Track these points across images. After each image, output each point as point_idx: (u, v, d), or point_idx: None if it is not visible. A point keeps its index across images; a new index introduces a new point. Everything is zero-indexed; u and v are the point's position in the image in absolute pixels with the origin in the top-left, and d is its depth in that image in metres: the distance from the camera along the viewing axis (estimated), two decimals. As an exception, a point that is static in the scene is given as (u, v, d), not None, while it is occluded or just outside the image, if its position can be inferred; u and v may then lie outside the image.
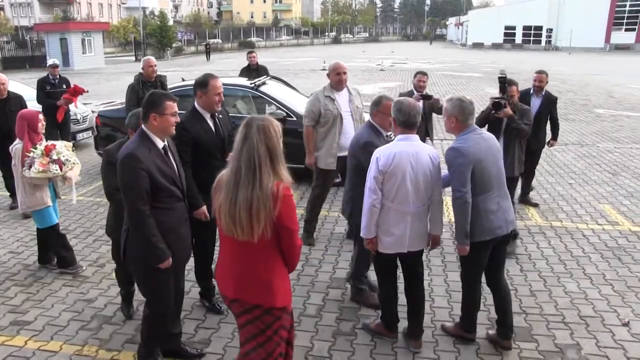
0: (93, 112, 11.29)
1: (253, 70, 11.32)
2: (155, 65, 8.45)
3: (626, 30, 70.01)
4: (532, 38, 72.80)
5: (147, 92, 7.95)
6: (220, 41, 68.98)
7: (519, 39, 73.24)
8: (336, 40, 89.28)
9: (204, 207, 4.41)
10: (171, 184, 3.65)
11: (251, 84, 9.17)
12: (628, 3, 69.37)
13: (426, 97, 7.38)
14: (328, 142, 6.20)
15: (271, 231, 2.88)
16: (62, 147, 5.57)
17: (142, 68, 8.40)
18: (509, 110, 6.05)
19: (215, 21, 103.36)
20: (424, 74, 7.89)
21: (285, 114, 8.49)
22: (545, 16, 70.87)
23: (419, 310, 4.38)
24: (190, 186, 4.19)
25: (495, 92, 7.08)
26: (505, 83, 6.10)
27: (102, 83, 25.34)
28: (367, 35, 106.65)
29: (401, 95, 7.80)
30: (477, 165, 3.94)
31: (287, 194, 2.90)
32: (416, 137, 4.08)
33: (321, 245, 6.52)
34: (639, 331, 4.70)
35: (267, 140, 2.88)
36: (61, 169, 5.41)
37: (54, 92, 9.86)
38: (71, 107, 9.96)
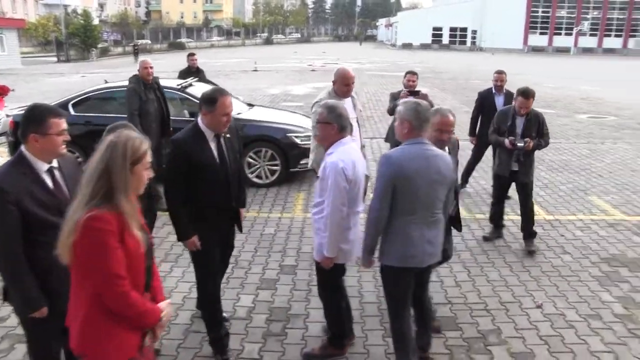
0: (8, 115, 10.38)
1: (193, 73, 11.19)
2: (152, 67, 7.88)
3: (540, 33, 73.93)
4: (458, 39, 75.19)
5: (149, 95, 7.73)
6: (149, 42, 67.45)
7: (446, 39, 75.42)
8: (268, 41, 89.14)
9: (194, 237, 4.00)
10: (54, 214, 2.97)
11: (177, 85, 9.12)
12: (540, 9, 73.02)
13: (414, 93, 7.24)
14: None
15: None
16: None
17: (138, 70, 7.88)
18: (530, 145, 6.13)
19: (144, 21, 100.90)
20: (414, 73, 7.87)
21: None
22: (470, 18, 73.34)
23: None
24: (177, 213, 3.95)
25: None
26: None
27: (19, 85, 24.32)
28: (299, 36, 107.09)
29: (392, 95, 7.97)
30: (400, 182, 3.54)
31: (91, 226, 2.37)
32: (350, 138, 3.93)
33: (250, 247, 6.53)
34: (549, 312, 5.06)
35: (110, 160, 2.42)
36: None
37: None
38: None
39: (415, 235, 3.64)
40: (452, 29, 74.95)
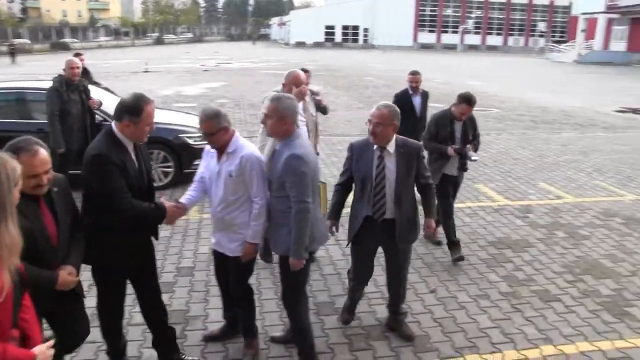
0: None
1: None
2: (78, 68, 7.56)
3: (429, 31, 77.12)
4: (350, 37, 76.65)
5: (72, 96, 7.35)
6: (29, 41, 63.57)
7: (338, 37, 76.70)
8: (159, 41, 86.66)
9: (169, 206, 3.72)
10: None
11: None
12: (428, 8, 76.16)
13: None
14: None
15: None
16: None
17: (64, 69, 7.43)
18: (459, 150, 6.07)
19: (20, 18, 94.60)
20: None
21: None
22: (361, 16, 75.02)
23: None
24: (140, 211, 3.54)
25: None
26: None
27: None
28: (191, 35, 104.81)
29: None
30: (313, 175, 3.77)
31: None
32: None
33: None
34: (442, 295, 5.35)
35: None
36: None
37: None
38: None
39: (320, 218, 4.04)
40: (345, 27, 76.37)
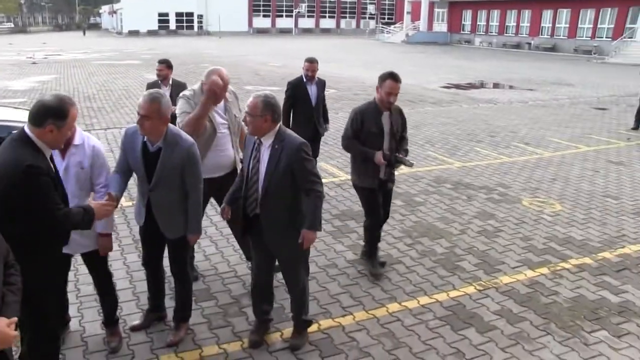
0: None
1: None
2: None
3: (264, 16, 77.70)
4: (185, 24, 74.93)
5: None
6: None
7: (172, 25, 74.62)
8: (-28, 32, 78.86)
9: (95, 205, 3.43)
10: None
11: None
12: (262, -7, 76.72)
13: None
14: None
15: None
16: None
17: None
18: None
19: None
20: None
21: None
22: (195, 3, 73.56)
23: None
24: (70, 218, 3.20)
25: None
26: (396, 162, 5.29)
27: None
28: (13, 25, 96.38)
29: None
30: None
31: None
32: None
33: None
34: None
35: None
36: None
37: None
38: None
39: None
40: (179, 14, 74.36)
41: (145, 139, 3.90)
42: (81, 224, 3.31)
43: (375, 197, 5.43)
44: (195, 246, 5.97)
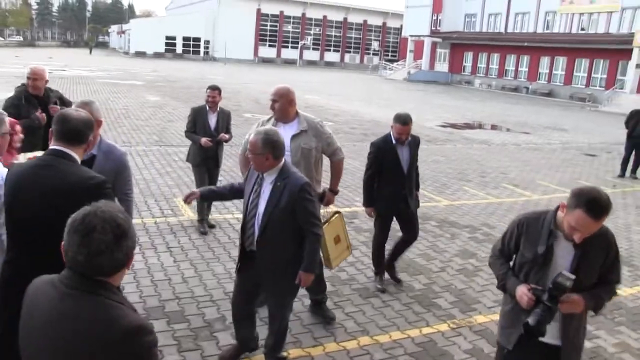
0: None
1: None
2: (43, 79, 6.41)
3: (269, 46, 78.56)
4: (191, 48, 75.73)
5: (32, 110, 6.11)
6: None
7: (179, 48, 75.35)
8: (-19, 44, 79.56)
9: None
10: None
11: None
12: (269, 23, 77.77)
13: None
14: None
15: None
16: None
17: (28, 78, 6.35)
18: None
19: None
20: (215, 88, 7.36)
21: None
22: (203, 28, 74.44)
23: None
24: None
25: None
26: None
27: None
28: (22, 39, 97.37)
29: (193, 109, 7.54)
30: None
31: None
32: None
33: None
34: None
35: None
36: None
37: None
38: None
39: None
40: (186, 39, 75.23)
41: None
42: None
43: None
44: (175, 268, 6.04)
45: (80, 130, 2.96)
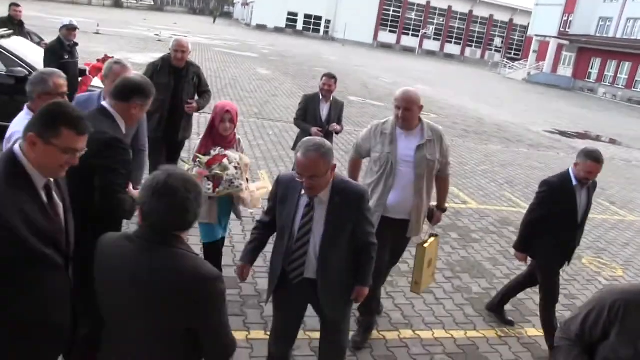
0: None
1: (14, 25, 10.50)
2: (185, 51, 6.49)
3: (390, 31, 77.82)
4: (312, 27, 76.70)
5: (163, 79, 6.25)
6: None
7: (300, 25, 76.55)
8: (117, 4, 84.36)
9: None
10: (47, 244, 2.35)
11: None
12: (392, 8, 76.94)
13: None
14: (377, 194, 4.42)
15: None
16: (231, 163, 4.35)
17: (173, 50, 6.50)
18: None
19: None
20: (332, 77, 7.09)
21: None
22: (325, 7, 75.11)
23: None
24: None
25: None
26: None
27: None
28: (152, 2, 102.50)
29: (306, 96, 7.35)
30: None
31: None
32: None
33: None
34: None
35: None
36: (214, 190, 4.33)
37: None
38: None
39: None
40: (307, 16, 76.29)
41: None
42: (126, 214, 3.29)
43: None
44: (241, 237, 6.27)
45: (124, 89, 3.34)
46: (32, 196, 2.30)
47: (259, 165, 9.33)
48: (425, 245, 4.53)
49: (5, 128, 3.54)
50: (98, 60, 8.11)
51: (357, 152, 4.69)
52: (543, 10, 59.73)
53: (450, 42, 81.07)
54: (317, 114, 7.16)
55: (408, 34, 79.00)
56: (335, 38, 73.34)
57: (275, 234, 3.49)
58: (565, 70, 56.33)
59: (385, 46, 76.01)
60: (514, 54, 77.29)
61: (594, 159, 4.51)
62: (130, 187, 3.41)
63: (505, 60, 66.45)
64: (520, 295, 6.03)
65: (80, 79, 8.04)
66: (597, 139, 21.34)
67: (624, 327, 2.27)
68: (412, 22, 78.96)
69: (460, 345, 4.88)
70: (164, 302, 2.10)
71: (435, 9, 79.08)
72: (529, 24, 68.48)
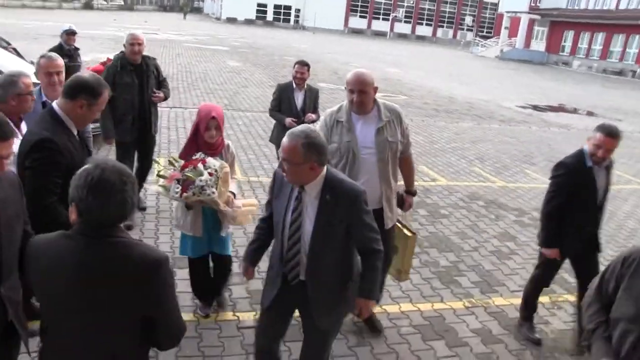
0: None
1: None
2: (141, 44, 6.43)
3: (360, 17, 77.83)
4: (282, 17, 76.37)
5: (126, 79, 6.27)
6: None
7: (270, 16, 76.17)
8: (88, 6, 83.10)
9: None
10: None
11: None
12: (361, -7, 76.85)
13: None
14: None
15: None
16: (207, 169, 3.96)
17: (125, 45, 6.45)
18: None
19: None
20: (304, 64, 7.08)
21: None
22: (295, -4, 74.84)
23: None
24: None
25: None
26: None
27: None
28: (122, 2, 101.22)
29: (279, 86, 7.32)
30: None
31: None
32: None
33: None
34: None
35: None
36: (181, 195, 3.95)
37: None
38: None
39: None
40: (277, 6, 75.84)
41: None
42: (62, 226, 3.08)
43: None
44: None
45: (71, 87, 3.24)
46: None
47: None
48: (412, 234, 4.47)
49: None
50: (101, 63, 8.05)
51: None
52: (512, -14, 59.98)
53: (422, 24, 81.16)
54: (291, 103, 7.08)
55: (379, 18, 78.93)
56: (306, 27, 73.11)
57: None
58: (538, 45, 56.69)
59: (357, 32, 75.96)
60: (486, 32, 77.59)
61: (604, 131, 4.15)
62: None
63: (477, 38, 66.71)
64: (488, 267, 6.14)
65: None
66: (575, 111, 21.52)
67: (631, 281, 2.21)
68: (382, 6, 78.86)
69: (427, 317, 4.93)
70: (115, 293, 2.07)
71: (404, -9, 79.16)
72: (499, 1, 68.74)
